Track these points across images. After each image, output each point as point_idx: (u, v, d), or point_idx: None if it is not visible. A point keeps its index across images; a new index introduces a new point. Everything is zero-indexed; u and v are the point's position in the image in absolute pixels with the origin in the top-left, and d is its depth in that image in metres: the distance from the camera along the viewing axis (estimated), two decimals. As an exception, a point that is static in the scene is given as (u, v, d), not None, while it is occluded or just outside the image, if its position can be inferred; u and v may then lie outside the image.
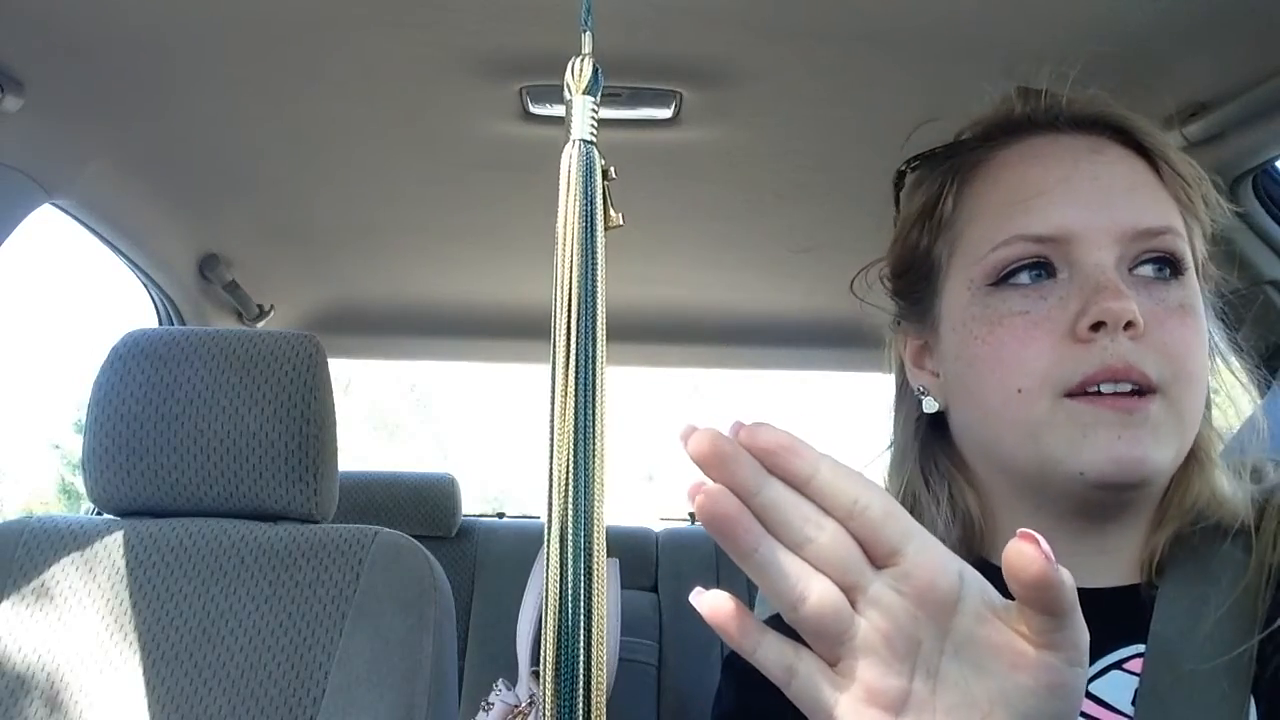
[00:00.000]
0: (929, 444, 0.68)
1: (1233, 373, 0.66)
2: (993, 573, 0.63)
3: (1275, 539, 0.57)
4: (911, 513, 0.64)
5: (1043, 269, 0.59)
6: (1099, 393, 0.56)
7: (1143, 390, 0.56)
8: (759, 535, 0.36)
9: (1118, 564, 0.61)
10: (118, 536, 1.12)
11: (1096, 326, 0.56)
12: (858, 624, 0.37)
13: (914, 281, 0.68)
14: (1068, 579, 0.35)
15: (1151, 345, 0.56)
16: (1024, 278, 0.59)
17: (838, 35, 1.05)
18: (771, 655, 0.38)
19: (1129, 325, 0.56)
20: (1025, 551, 0.35)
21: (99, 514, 1.19)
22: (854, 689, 0.37)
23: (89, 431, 1.14)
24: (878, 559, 0.37)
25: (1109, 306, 0.55)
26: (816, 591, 0.36)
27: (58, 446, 11.71)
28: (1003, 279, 0.60)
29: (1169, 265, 0.59)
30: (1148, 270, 0.59)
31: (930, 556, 0.37)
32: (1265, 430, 0.65)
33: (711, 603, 0.39)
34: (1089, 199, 0.59)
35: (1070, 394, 0.56)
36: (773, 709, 0.64)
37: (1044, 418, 0.57)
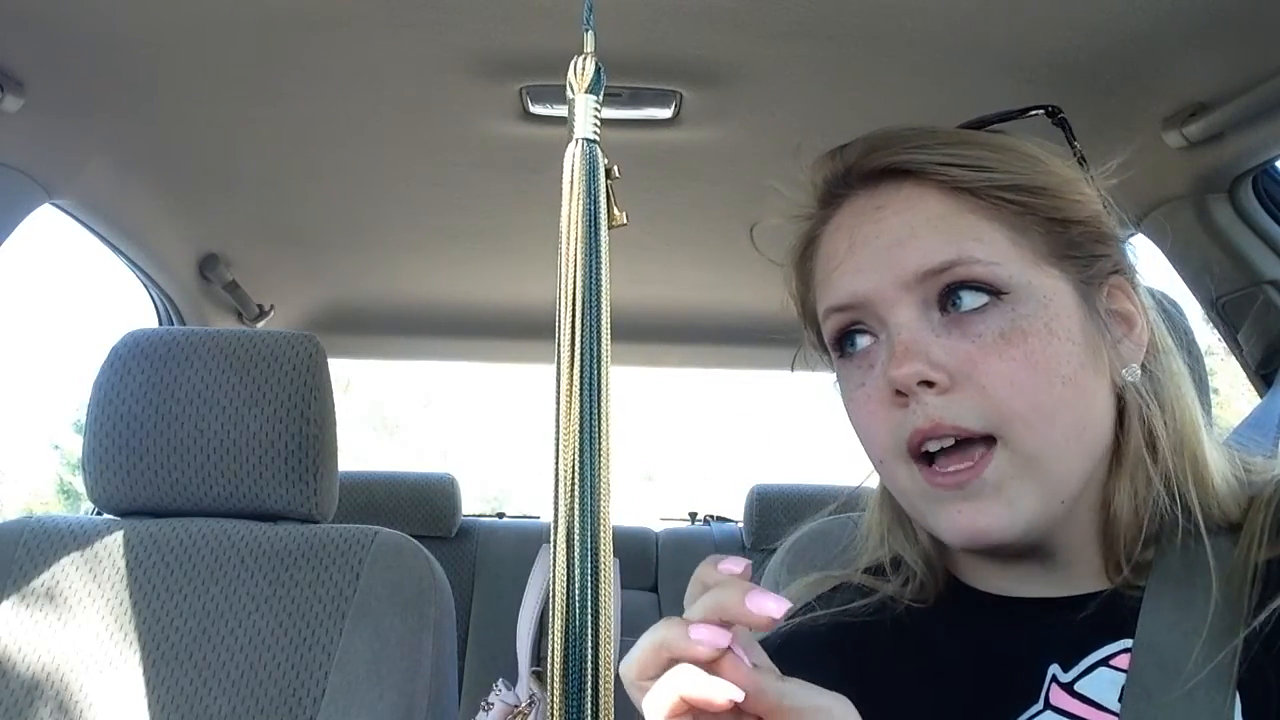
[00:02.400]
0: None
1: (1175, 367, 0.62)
2: (963, 589, 0.64)
3: (1261, 534, 0.56)
4: (885, 538, 0.69)
5: (869, 339, 0.61)
6: (930, 455, 0.56)
7: (972, 441, 0.55)
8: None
9: (1081, 570, 0.61)
10: (118, 536, 1.12)
11: (899, 392, 0.57)
12: None
13: (821, 351, 0.70)
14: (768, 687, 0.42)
15: (968, 393, 0.55)
16: (853, 346, 0.61)
17: (838, 35, 1.05)
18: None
19: (928, 384, 0.55)
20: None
21: (99, 514, 1.19)
22: None
23: (89, 431, 1.14)
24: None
25: (893, 375, 0.56)
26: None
27: (58, 446, 11.70)
28: (842, 351, 0.62)
29: (981, 292, 0.57)
30: (956, 306, 0.57)
31: None
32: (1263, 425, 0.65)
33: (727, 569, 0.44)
34: (872, 259, 0.59)
35: (915, 458, 0.57)
36: None
37: (906, 485, 0.59)
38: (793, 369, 0.73)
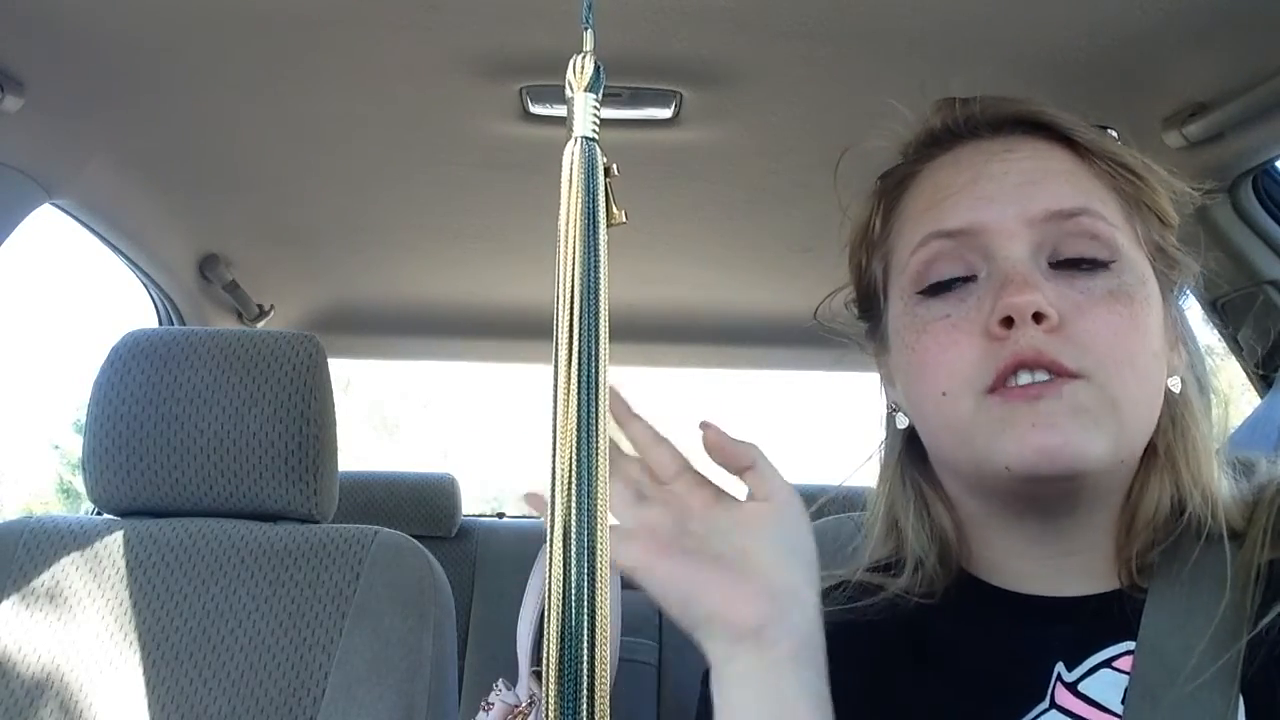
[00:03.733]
0: (907, 462, 0.68)
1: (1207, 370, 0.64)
2: (972, 584, 0.64)
3: (1264, 536, 0.56)
4: (893, 530, 0.66)
5: (964, 273, 0.60)
6: (1015, 386, 0.55)
7: (1063, 377, 0.55)
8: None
9: (1092, 566, 0.61)
10: (118, 536, 1.12)
11: (1007, 322, 0.55)
12: (640, 508, 0.55)
13: (867, 303, 0.70)
14: (744, 449, 0.54)
15: (1071, 336, 0.55)
16: (947, 282, 0.60)
17: (838, 35, 1.05)
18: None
19: (1039, 317, 0.55)
20: (703, 437, 0.53)
21: (99, 514, 1.19)
22: (636, 540, 0.51)
23: (89, 431, 1.14)
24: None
25: (1012, 301, 0.55)
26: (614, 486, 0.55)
27: (57, 446, 11.71)
28: (929, 288, 0.60)
29: (1094, 255, 0.58)
30: (1071, 260, 0.58)
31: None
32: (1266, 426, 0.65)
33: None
34: (997, 192, 0.59)
35: (991, 390, 0.56)
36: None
37: (968, 417, 0.57)
38: (815, 315, 0.73)
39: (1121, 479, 0.60)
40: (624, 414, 0.56)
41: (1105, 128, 0.66)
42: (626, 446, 0.56)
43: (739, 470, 0.54)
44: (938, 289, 0.60)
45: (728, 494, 0.54)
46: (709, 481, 0.55)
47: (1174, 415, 0.61)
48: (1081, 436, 0.54)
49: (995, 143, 0.62)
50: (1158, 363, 0.58)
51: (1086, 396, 0.54)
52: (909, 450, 0.68)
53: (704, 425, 0.54)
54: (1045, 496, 0.58)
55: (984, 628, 0.62)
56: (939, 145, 0.65)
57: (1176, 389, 0.61)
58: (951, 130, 0.65)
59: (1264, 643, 0.53)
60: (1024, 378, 0.55)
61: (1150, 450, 0.60)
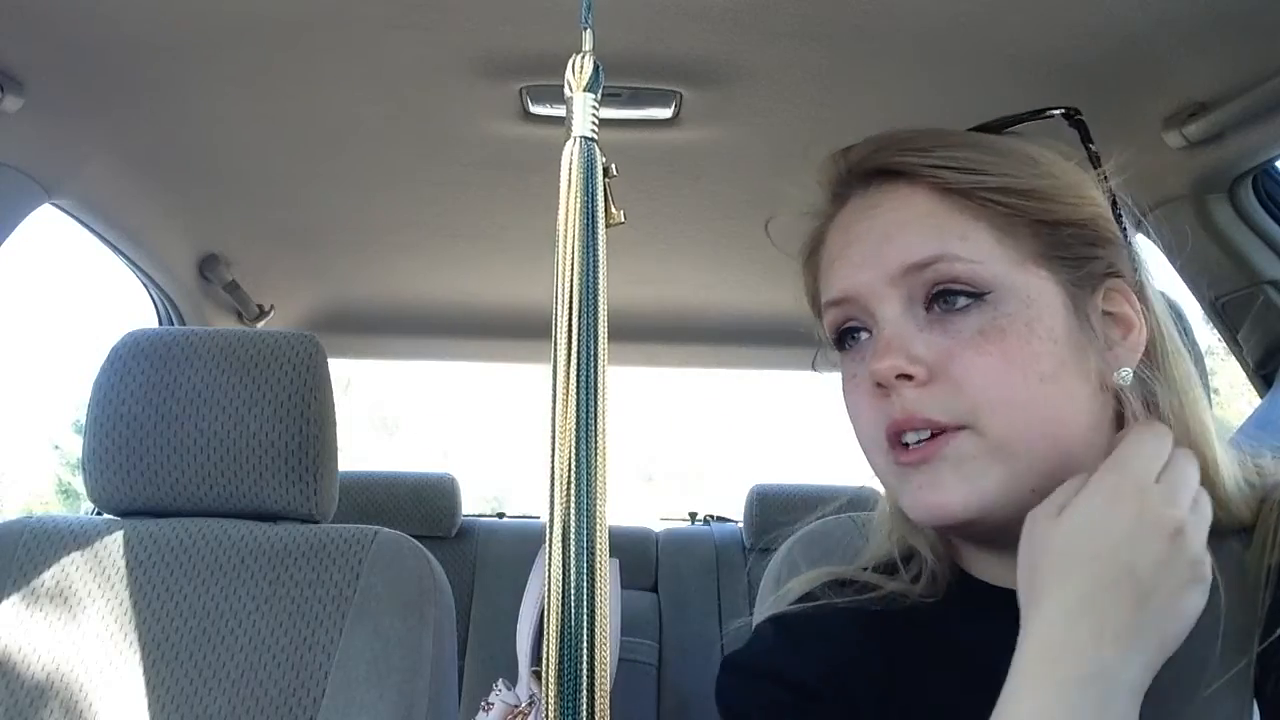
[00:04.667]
0: None
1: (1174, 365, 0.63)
2: (973, 583, 0.64)
3: (1274, 536, 0.56)
4: (895, 530, 0.71)
5: (862, 328, 0.63)
6: (904, 443, 0.59)
7: (944, 431, 0.57)
8: None
9: None
10: (118, 536, 1.12)
11: (879, 385, 0.59)
12: None
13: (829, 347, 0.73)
14: None
15: (942, 386, 0.58)
16: (852, 340, 0.64)
17: (838, 36, 1.05)
18: None
19: (907, 376, 0.58)
20: None
21: (99, 514, 1.19)
22: None
23: (89, 431, 1.14)
24: None
25: (874, 368, 0.59)
26: None
27: (57, 446, 11.71)
28: (837, 343, 0.66)
29: (959, 293, 0.59)
30: (938, 304, 0.60)
31: None
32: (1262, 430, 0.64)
33: None
34: (862, 255, 0.62)
35: (892, 445, 0.60)
36: (781, 700, 0.64)
37: (885, 470, 0.62)
38: (814, 368, 0.75)
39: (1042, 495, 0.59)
40: None
41: (1043, 111, 0.67)
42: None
43: None
44: (844, 345, 0.65)
45: None
46: None
47: (1134, 408, 0.60)
48: (966, 489, 0.57)
49: (865, 198, 0.65)
50: (1051, 385, 0.57)
51: (969, 447, 0.57)
52: None
53: None
54: (975, 533, 0.61)
55: (985, 626, 0.62)
56: (834, 202, 0.69)
57: (1125, 380, 0.60)
58: (836, 189, 0.68)
59: (1274, 643, 0.53)
60: (910, 437, 0.59)
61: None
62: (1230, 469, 0.60)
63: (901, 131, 0.65)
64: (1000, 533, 0.59)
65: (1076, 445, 0.59)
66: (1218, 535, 0.57)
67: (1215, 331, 1.32)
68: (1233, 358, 1.33)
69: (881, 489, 0.71)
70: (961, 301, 0.59)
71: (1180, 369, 0.62)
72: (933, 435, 0.58)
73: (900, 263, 0.60)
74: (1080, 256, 0.61)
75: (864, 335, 0.63)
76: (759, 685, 0.65)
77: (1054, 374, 0.57)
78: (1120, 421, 0.60)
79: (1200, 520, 0.53)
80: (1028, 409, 0.57)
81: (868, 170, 0.65)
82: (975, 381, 0.57)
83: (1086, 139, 0.67)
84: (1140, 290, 0.63)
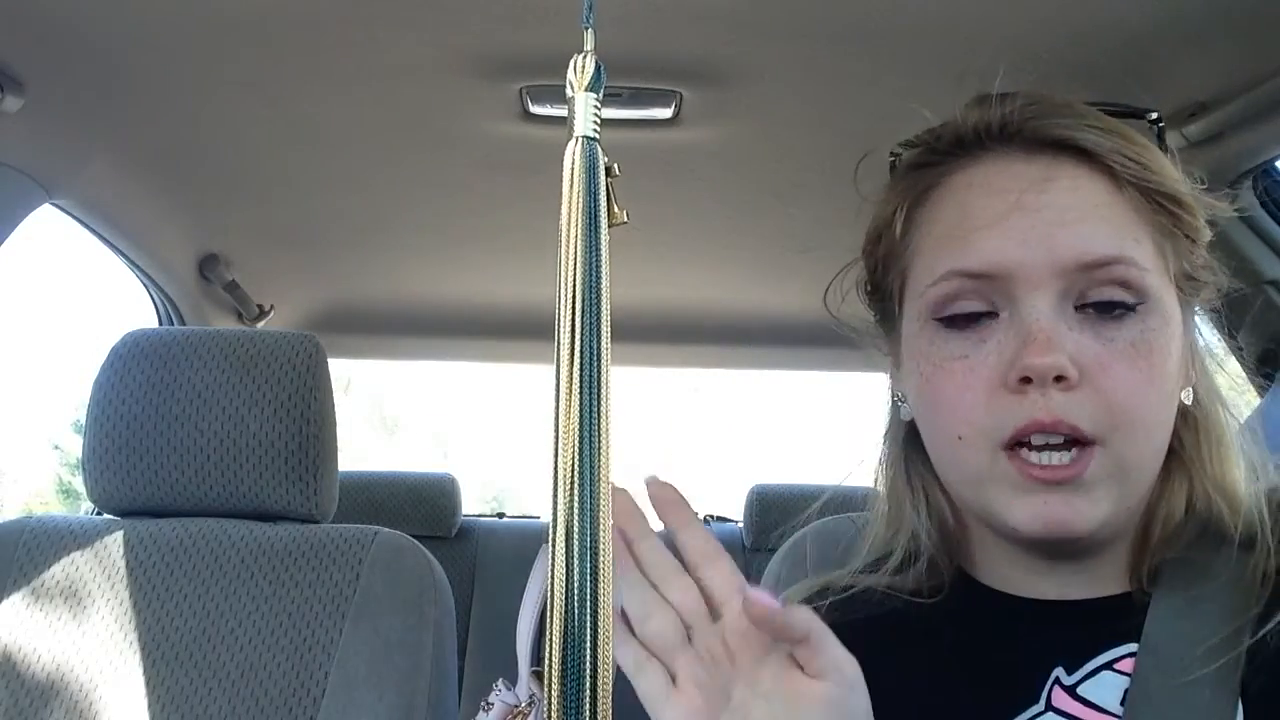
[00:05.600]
0: (910, 449, 0.67)
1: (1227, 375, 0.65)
2: (971, 585, 0.64)
3: (1273, 542, 0.56)
4: (896, 512, 0.64)
5: (984, 309, 0.58)
6: (1030, 446, 0.55)
7: (1077, 441, 0.54)
8: (631, 567, 0.45)
9: (1102, 578, 0.61)
10: (118, 536, 1.12)
11: (1025, 379, 0.54)
12: (687, 654, 0.47)
13: (879, 298, 0.68)
14: (796, 619, 0.45)
15: (1091, 394, 0.54)
16: (966, 316, 0.58)
17: (838, 35, 1.05)
18: (627, 654, 0.46)
19: (1060, 378, 0.54)
20: (747, 600, 0.45)
21: (99, 514, 1.19)
22: (680, 701, 0.46)
23: (89, 431, 1.14)
24: (711, 608, 0.48)
25: (1032, 363, 0.53)
26: (657, 619, 0.46)
27: (58, 446, 11.70)
28: (946, 317, 0.59)
29: (1121, 300, 0.56)
30: (1097, 306, 0.56)
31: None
32: (1261, 431, 0.65)
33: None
34: (1028, 234, 0.56)
35: (1006, 445, 0.55)
36: None
37: (984, 467, 0.57)
38: (824, 300, 0.70)
39: (1132, 510, 0.59)
40: (676, 521, 0.48)
41: (1144, 111, 0.64)
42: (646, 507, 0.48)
43: (792, 641, 0.46)
44: (955, 322, 0.58)
45: (778, 652, 0.47)
46: (757, 632, 0.47)
47: (1192, 424, 0.60)
48: (1090, 509, 0.55)
49: (1032, 167, 0.58)
50: (1171, 404, 0.57)
51: (1098, 469, 0.54)
52: (911, 441, 0.67)
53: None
54: (1050, 548, 0.59)
55: (981, 628, 0.62)
56: (968, 153, 0.61)
57: (1189, 400, 0.60)
58: (984, 137, 0.61)
59: (1265, 648, 0.53)
60: (1039, 439, 0.54)
61: (1172, 459, 0.60)
62: (1244, 483, 0.60)
63: (1057, 99, 0.60)
64: (1070, 549, 0.59)
65: (1162, 461, 0.59)
66: (1226, 541, 0.57)
67: (1215, 331, 1.32)
68: (1233, 358, 1.33)
69: (881, 488, 0.70)
70: (1119, 310, 0.55)
71: (1211, 383, 0.63)
72: (1066, 444, 0.54)
73: (1077, 256, 0.55)
74: (1197, 281, 0.61)
75: (986, 318, 0.57)
76: None
77: (1173, 393, 0.57)
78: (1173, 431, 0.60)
79: None
80: (1152, 431, 0.56)
81: (1049, 138, 0.58)
82: (1123, 395, 0.54)
83: (1165, 149, 0.62)
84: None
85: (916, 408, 0.63)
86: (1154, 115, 0.64)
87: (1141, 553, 0.60)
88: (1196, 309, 0.64)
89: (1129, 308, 0.55)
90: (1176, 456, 0.60)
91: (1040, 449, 0.55)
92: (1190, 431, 0.60)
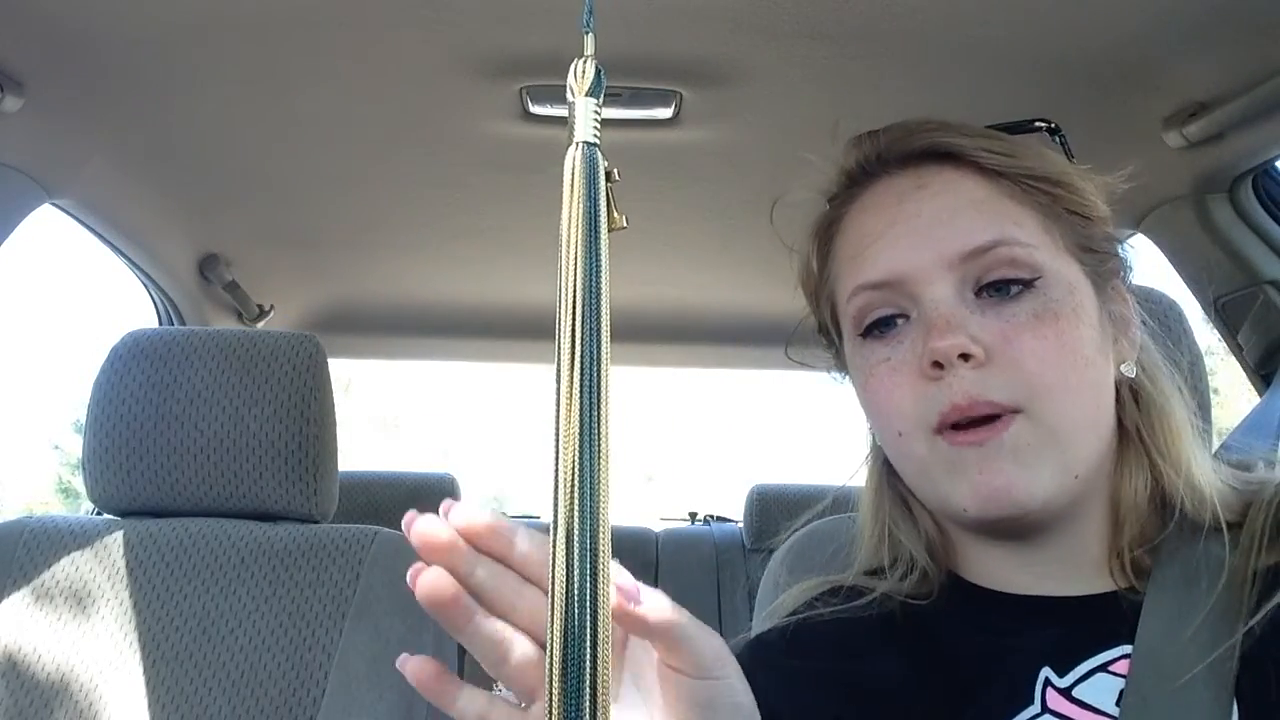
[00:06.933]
0: (889, 472, 0.70)
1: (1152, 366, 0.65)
2: (962, 585, 0.64)
3: (1259, 538, 0.57)
4: (884, 536, 0.68)
5: (895, 313, 0.62)
6: (958, 428, 0.57)
7: (999, 416, 0.56)
8: (471, 610, 0.41)
9: (1086, 568, 0.61)
10: (118, 536, 1.12)
11: (936, 364, 0.57)
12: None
13: (825, 334, 0.72)
14: (652, 613, 0.40)
15: (1001, 367, 0.57)
16: (881, 323, 0.62)
17: (838, 35, 1.05)
18: (468, 706, 0.45)
19: (965, 356, 0.57)
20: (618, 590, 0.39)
21: (99, 514, 1.19)
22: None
23: (89, 431, 1.14)
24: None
25: (936, 345, 0.57)
26: (516, 652, 0.42)
27: (57, 446, 11.72)
28: (867, 330, 0.63)
29: (1013, 279, 0.59)
30: (993, 287, 0.59)
31: None
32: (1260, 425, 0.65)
33: (414, 668, 0.45)
34: (912, 236, 0.61)
35: (938, 430, 0.58)
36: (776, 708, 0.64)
37: (925, 457, 0.60)
38: (786, 353, 0.74)
39: (1090, 486, 0.60)
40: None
41: (1032, 122, 0.68)
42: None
43: (652, 638, 0.41)
44: (875, 330, 0.63)
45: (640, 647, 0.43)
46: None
47: (1137, 397, 0.63)
48: (1025, 476, 0.57)
49: (906, 178, 0.63)
50: (1093, 369, 0.59)
51: (1025, 433, 0.57)
52: (888, 460, 0.69)
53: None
54: (1009, 529, 0.60)
55: (972, 629, 0.63)
56: (858, 185, 0.67)
57: (1131, 373, 0.62)
58: (865, 169, 0.66)
59: (1257, 646, 0.53)
60: (964, 421, 0.57)
61: (1124, 437, 0.62)
62: (1205, 468, 0.61)
63: (929, 119, 0.65)
64: (1030, 529, 0.60)
65: (1107, 430, 0.61)
66: (1206, 537, 0.57)
67: (1215, 331, 1.32)
68: (1233, 358, 1.33)
69: (866, 508, 0.72)
70: (1014, 289, 0.59)
71: (1159, 371, 0.64)
72: (986, 419, 0.57)
73: (960, 247, 0.59)
74: (1103, 251, 0.63)
75: (899, 321, 0.62)
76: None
77: (1093, 358, 0.59)
78: (1118, 411, 0.62)
79: None
80: (1078, 393, 0.58)
81: (910, 151, 0.64)
82: (1033, 362, 0.57)
83: (1069, 151, 0.69)
84: (1130, 293, 0.65)
85: (867, 419, 0.67)
86: (1040, 124, 0.69)
87: (1116, 540, 0.61)
88: (1128, 283, 0.66)
89: (1026, 283, 0.59)
90: (1129, 435, 0.62)
91: (967, 428, 0.57)
92: (1141, 411, 0.62)
